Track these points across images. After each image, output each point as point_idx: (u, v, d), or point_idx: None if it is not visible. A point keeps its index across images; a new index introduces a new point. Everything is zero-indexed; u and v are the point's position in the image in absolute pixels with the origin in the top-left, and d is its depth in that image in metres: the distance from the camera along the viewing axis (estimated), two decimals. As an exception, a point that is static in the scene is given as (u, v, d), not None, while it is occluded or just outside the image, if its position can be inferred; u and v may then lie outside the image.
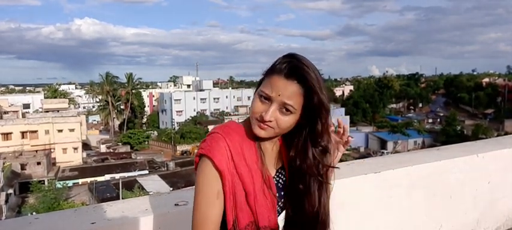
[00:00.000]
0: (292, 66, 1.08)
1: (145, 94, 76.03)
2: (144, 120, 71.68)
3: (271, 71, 1.11)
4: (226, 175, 1.09)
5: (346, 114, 60.75)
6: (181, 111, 64.56)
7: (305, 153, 1.15)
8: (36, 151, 38.01)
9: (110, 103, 61.65)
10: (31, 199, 29.25)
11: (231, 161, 1.10)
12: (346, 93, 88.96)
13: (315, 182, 1.16)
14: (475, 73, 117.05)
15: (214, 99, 68.88)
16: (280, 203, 1.18)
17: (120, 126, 65.15)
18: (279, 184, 1.20)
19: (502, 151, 2.96)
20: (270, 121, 1.09)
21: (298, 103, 1.08)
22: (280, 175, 1.22)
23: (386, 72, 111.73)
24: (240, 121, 1.24)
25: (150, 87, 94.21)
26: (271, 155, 1.20)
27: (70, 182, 32.96)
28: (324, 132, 1.14)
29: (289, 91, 1.07)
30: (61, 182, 32.28)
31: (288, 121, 1.10)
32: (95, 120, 71.66)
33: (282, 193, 1.19)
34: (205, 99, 68.34)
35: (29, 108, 57.11)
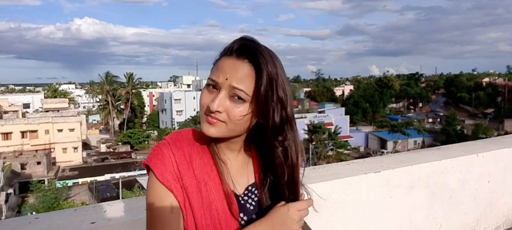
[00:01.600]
0: (243, 44, 0.91)
1: (145, 94, 76.02)
2: (144, 119, 71.65)
3: (219, 55, 0.94)
4: (172, 188, 0.91)
5: (346, 114, 60.82)
6: (181, 111, 64.53)
7: (270, 157, 0.95)
8: (36, 150, 38.02)
9: (110, 103, 61.62)
10: (31, 198, 29.27)
11: (177, 171, 0.92)
12: (346, 93, 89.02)
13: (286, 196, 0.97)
14: (475, 73, 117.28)
15: (214, 98, 68.81)
16: None
17: (120, 126, 65.14)
18: (250, 205, 0.98)
19: (502, 151, 2.96)
20: (219, 112, 0.89)
21: (250, 88, 0.88)
22: (250, 195, 0.99)
23: (387, 71, 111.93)
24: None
25: (150, 86, 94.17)
26: (237, 168, 0.99)
27: (70, 182, 33.00)
28: (284, 126, 0.92)
29: (239, 73, 0.88)
30: (61, 182, 32.33)
31: (240, 111, 0.89)
32: (95, 120, 71.64)
33: (253, 216, 0.97)
34: (205, 98, 68.28)
35: (29, 107, 57.08)
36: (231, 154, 0.99)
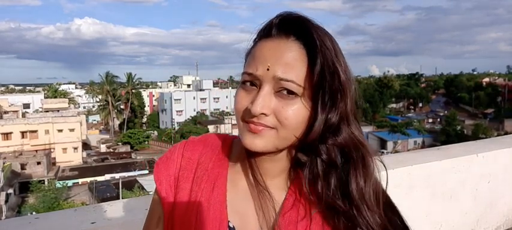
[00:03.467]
0: (285, 18, 0.66)
1: (145, 94, 76.03)
2: (144, 119, 71.65)
3: (254, 40, 0.70)
4: (163, 195, 0.74)
5: (346, 114, 60.64)
6: (181, 111, 64.53)
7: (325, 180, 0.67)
8: (36, 151, 38.03)
9: (110, 103, 61.62)
10: (31, 198, 29.27)
11: (176, 177, 0.74)
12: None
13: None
14: (475, 73, 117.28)
15: (214, 98, 68.83)
16: None
17: (120, 126, 65.15)
18: None
19: (502, 151, 2.96)
20: (265, 116, 0.64)
21: (301, 76, 0.63)
22: None
23: (387, 71, 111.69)
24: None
25: (150, 86, 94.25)
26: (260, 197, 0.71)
27: (70, 182, 33.01)
28: (340, 124, 0.65)
29: (285, 58, 0.64)
30: (61, 182, 32.33)
31: (295, 111, 0.64)
32: (95, 120, 71.65)
33: None
34: (205, 98, 68.30)
35: (29, 107, 57.11)
36: (268, 179, 0.71)
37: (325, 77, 0.62)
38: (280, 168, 0.71)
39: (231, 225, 0.70)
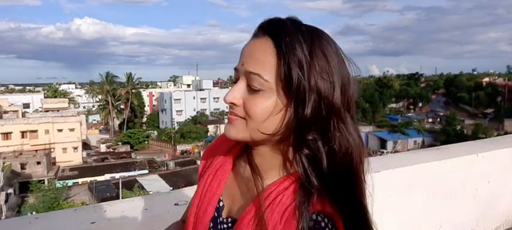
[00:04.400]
0: (266, 20, 0.71)
1: (145, 93, 76.00)
2: (144, 119, 71.65)
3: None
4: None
5: (346, 114, 60.58)
6: (181, 111, 64.52)
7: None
8: (36, 150, 38.03)
9: (110, 103, 61.63)
10: (31, 198, 29.26)
11: (203, 164, 0.88)
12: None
13: None
14: (475, 73, 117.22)
15: (214, 98, 68.80)
16: None
17: (120, 126, 65.16)
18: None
19: (502, 151, 2.96)
20: (235, 106, 0.71)
21: (270, 72, 0.67)
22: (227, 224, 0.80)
23: (387, 71, 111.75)
24: None
25: (150, 86, 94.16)
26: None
27: (70, 182, 32.99)
28: (319, 119, 0.67)
29: (255, 53, 0.69)
30: (61, 181, 32.32)
31: (257, 103, 0.68)
32: (94, 120, 71.65)
33: None
34: (205, 98, 68.30)
35: (28, 107, 57.11)
36: (263, 172, 0.74)
37: (291, 74, 0.65)
38: (271, 163, 0.74)
39: (220, 204, 0.80)
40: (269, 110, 0.68)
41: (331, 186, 0.67)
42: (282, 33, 0.67)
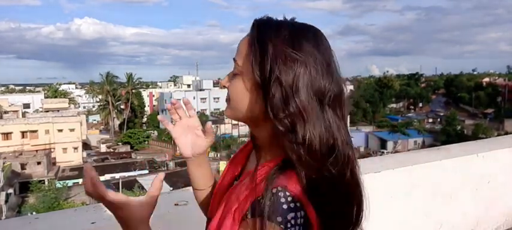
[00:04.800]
0: (256, 20, 0.81)
1: (145, 94, 76.03)
2: (144, 119, 71.66)
3: None
4: None
5: (346, 114, 60.62)
6: (181, 111, 64.50)
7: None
8: (36, 150, 38.04)
9: (110, 103, 61.64)
10: (31, 198, 29.28)
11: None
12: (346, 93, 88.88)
13: None
14: (475, 73, 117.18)
15: (214, 98, 68.81)
16: None
17: (120, 126, 65.17)
18: None
19: (502, 151, 2.96)
20: (227, 89, 0.84)
21: (245, 60, 0.78)
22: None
23: (387, 71, 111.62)
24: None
25: (150, 86, 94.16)
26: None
27: (70, 182, 32.98)
28: (286, 104, 0.72)
29: (241, 46, 0.81)
30: (61, 182, 32.33)
31: (234, 86, 0.80)
32: (95, 120, 71.67)
33: None
34: (205, 98, 68.31)
35: (29, 107, 57.10)
36: (265, 154, 0.83)
37: (258, 59, 0.74)
38: (269, 146, 0.81)
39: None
40: (242, 92, 0.79)
41: (308, 173, 0.70)
42: (262, 26, 0.78)
